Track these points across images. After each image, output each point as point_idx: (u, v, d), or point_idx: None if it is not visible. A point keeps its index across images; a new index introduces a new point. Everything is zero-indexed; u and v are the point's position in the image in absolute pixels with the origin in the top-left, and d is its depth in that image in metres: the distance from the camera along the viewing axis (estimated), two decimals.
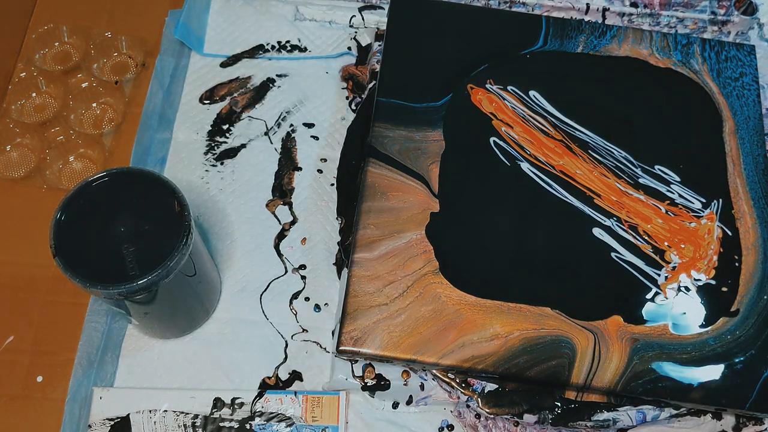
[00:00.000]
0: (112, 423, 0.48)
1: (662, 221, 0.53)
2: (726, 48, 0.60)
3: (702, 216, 0.53)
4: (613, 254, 0.51)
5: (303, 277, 0.55)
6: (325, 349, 0.53)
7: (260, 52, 0.64)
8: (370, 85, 0.60)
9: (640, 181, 0.54)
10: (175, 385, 0.51)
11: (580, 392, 0.49)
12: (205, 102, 0.61)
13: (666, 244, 0.52)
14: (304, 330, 0.53)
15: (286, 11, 0.65)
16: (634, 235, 0.52)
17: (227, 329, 0.53)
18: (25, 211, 0.57)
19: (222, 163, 0.59)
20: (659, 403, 0.49)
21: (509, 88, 0.57)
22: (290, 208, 0.57)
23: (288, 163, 0.59)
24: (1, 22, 0.63)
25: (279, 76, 0.63)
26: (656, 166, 0.55)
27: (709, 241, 0.52)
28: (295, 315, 0.54)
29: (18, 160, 0.59)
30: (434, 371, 0.50)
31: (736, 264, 0.52)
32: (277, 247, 0.56)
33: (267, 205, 0.57)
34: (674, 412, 0.50)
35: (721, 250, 0.52)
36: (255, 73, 0.63)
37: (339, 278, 0.55)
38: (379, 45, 0.62)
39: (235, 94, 0.62)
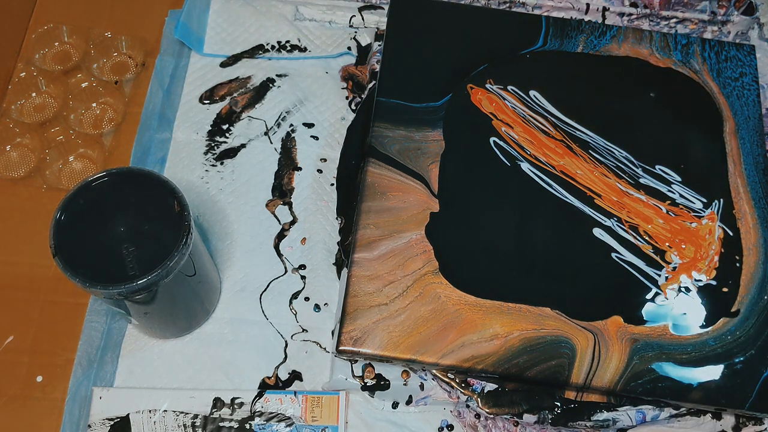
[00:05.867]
0: (112, 423, 0.48)
1: (663, 221, 0.53)
2: (726, 48, 0.60)
3: (703, 216, 0.53)
4: (613, 254, 0.51)
5: (303, 277, 0.55)
6: (325, 349, 0.53)
7: (260, 52, 0.64)
8: (370, 85, 0.60)
9: (641, 181, 0.54)
10: (174, 385, 0.51)
11: (579, 392, 0.49)
12: (205, 102, 0.61)
13: (667, 244, 0.52)
14: (304, 330, 0.53)
15: (286, 11, 0.65)
16: (635, 235, 0.52)
17: (227, 329, 0.53)
18: (25, 211, 0.57)
19: (222, 163, 0.59)
20: (659, 403, 0.49)
21: (509, 88, 0.57)
22: (290, 208, 0.57)
23: (288, 163, 0.59)
24: (1, 22, 0.63)
25: (279, 76, 0.63)
26: (657, 166, 0.55)
27: (710, 241, 0.52)
28: (295, 315, 0.54)
29: (18, 160, 0.59)
30: (434, 371, 0.50)
31: (737, 264, 0.52)
32: (277, 247, 0.56)
33: (267, 205, 0.57)
34: (674, 412, 0.50)
35: (722, 250, 0.52)
36: (255, 73, 0.63)
37: (339, 278, 0.55)
38: (379, 45, 0.62)
39: (235, 94, 0.62)
